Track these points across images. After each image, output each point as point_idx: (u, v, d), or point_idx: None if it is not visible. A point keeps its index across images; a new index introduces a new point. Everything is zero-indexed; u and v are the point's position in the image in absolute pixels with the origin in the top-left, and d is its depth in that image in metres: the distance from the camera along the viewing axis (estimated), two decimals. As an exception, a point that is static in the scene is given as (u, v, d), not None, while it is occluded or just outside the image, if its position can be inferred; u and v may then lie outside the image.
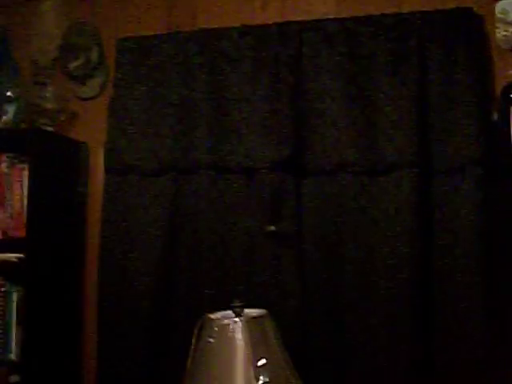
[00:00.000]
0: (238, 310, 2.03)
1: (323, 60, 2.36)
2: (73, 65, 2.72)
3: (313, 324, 2.29)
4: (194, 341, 2.01)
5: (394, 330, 2.18)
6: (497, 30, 2.30)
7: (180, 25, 2.62)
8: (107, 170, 2.56)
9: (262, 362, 1.91)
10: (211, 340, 1.96)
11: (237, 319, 1.96)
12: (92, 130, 2.70)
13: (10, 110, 2.57)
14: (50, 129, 2.62)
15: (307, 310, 2.29)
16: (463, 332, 2.12)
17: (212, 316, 2.03)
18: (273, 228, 2.31)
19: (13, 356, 2.38)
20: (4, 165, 2.50)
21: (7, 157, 2.50)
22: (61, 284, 2.54)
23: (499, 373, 2.05)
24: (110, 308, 2.47)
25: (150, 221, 2.46)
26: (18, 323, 2.38)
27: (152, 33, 2.61)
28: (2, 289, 2.42)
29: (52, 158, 2.55)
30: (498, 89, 2.20)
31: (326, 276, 2.29)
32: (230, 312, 2.05)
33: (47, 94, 2.61)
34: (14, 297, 2.40)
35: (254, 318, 2.00)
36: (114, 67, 2.62)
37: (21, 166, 2.48)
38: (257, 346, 1.93)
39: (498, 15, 2.29)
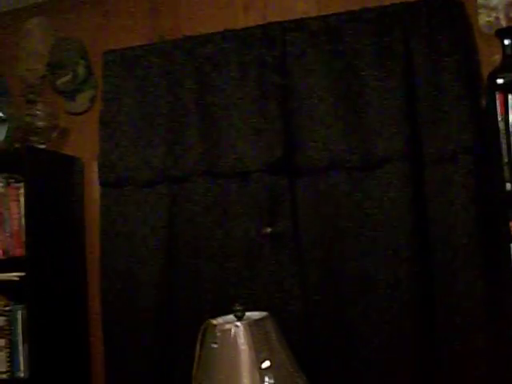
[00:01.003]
0: (239, 313, 2.04)
1: (308, 59, 2.36)
2: (61, 81, 2.74)
3: (315, 323, 2.29)
4: (198, 347, 2.02)
5: (395, 326, 2.18)
6: (480, 16, 2.29)
7: (164, 34, 2.63)
8: (102, 183, 2.57)
9: (267, 364, 1.93)
10: (215, 345, 1.97)
11: (238, 323, 1.97)
12: (84, 144, 2.73)
13: (2, 130, 2.58)
14: (42, 146, 2.64)
15: (309, 310, 2.29)
16: (465, 326, 2.11)
17: (214, 321, 2.04)
18: (270, 230, 2.32)
19: (21, 374, 2.39)
20: (0, 185, 2.52)
21: (2, 177, 2.52)
22: (64, 299, 2.56)
23: (500, 368, 2.05)
24: (115, 318, 2.49)
25: (148, 231, 2.48)
26: (24, 341, 2.39)
27: (137, 43, 2.62)
28: (6, 308, 2.44)
29: (47, 175, 2.56)
30: (485, 75, 2.18)
31: (326, 274, 2.29)
32: (231, 316, 2.07)
33: (38, 112, 2.63)
34: (19, 315, 2.42)
35: (256, 320, 2.01)
36: (102, 80, 2.63)
37: (16, 185, 2.50)
38: (260, 349, 1.94)
39: (480, 1, 2.29)
